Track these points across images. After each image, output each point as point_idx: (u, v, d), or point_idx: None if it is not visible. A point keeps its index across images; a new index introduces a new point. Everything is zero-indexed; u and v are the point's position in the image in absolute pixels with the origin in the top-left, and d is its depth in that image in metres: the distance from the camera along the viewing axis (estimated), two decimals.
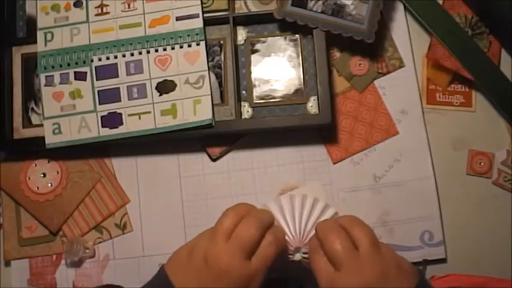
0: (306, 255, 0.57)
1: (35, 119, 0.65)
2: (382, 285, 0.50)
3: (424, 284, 0.52)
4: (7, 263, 0.65)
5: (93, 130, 0.62)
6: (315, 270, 0.54)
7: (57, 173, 0.65)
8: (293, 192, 0.63)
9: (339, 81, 0.65)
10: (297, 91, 0.63)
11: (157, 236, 0.64)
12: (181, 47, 0.63)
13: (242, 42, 0.65)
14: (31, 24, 0.67)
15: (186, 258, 0.52)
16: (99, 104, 0.63)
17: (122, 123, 0.62)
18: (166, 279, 0.51)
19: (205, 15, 0.64)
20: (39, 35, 0.65)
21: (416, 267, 0.53)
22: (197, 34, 0.63)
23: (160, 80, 0.62)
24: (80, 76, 0.63)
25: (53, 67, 0.64)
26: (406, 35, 0.66)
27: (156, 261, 0.63)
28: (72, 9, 0.65)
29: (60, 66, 0.64)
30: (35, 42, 0.65)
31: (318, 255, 0.54)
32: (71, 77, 0.64)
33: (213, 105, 0.62)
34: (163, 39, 0.63)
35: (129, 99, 0.62)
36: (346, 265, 0.50)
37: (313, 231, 0.58)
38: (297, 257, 0.57)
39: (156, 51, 0.63)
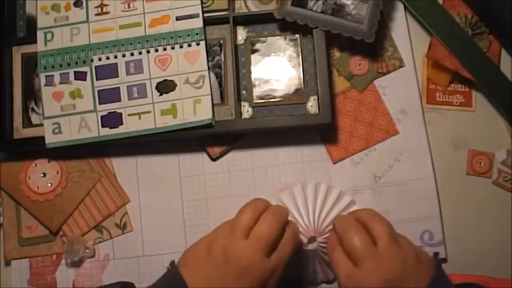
0: (322, 245, 0.58)
1: (35, 118, 0.65)
2: (402, 278, 0.50)
3: (441, 274, 0.52)
4: (7, 263, 0.65)
5: (93, 130, 0.62)
6: (333, 266, 0.54)
7: (57, 173, 0.65)
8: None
9: (339, 81, 0.65)
10: (297, 91, 0.63)
11: (157, 236, 0.64)
12: (181, 47, 0.63)
13: (242, 42, 0.65)
14: (31, 24, 0.67)
15: (204, 256, 0.52)
16: (99, 103, 0.63)
17: (121, 123, 0.62)
18: (179, 277, 0.51)
19: (205, 15, 0.64)
20: (39, 35, 0.65)
21: (433, 258, 0.54)
22: (197, 34, 0.63)
23: (160, 79, 0.62)
24: (80, 76, 0.63)
25: (53, 67, 0.64)
26: (406, 35, 0.66)
27: (156, 261, 0.63)
28: (72, 9, 0.65)
29: (60, 66, 0.64)
30: (35, 42, 0.65)
31: (336, 251, 0.55)
32: (71, 76, 0.64)
33: (213, 105, 0.62)
34: (163, 39, 0.63)
35: (129, 99, 0.62)
36: (365, 261, 0.51)
37: (329, 220, 0.58)
38: (312, 246, 0.58)
39: (156, 51, 0.63)
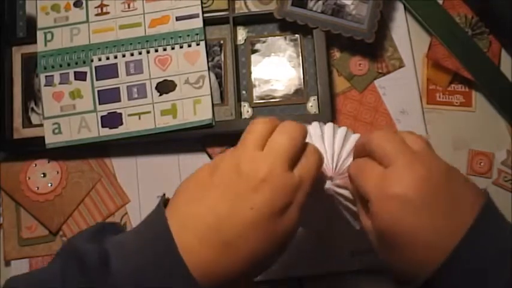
0: (339, 189, 0.48)
1: (35, 119, 0.65)
2: (449, 185, 0.39)
3: (493, 205, 0.41)
4: (7, 263, 0.65)
5: (93, 130, 0.62)
6: (357, 178, 0.43)
7: (57, 173, 0.65)
8: None
9: (339, 81, 0.65)
10: (297, 91, 0.63)
11: None
12: (181, 47, 0.63)
13: (242, 42, 0.65)
14: (31, 24, 0.66)
15: (206, 181, 0.40)
16: (99, 104, 0.63)
17: (121, 123, 0.62)
18: (162, 221, 0.39)
19: (205, 15, 0.64)
20: (39, 35, 0.65)
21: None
22: (197, 34, 0.63)
23: (160, 80, 0.62)
24: (80, 76, 0.63)
25: (52, 67, 0.64)
26: (406, 35, 0.66)
27: None
28: (72, 9, 0.65)
29: (60, 66, 0.64)
30: (35, 42, 0.65)
31: (359, 160, 0.44)
32: (71, 77, 0.64)
33: (213, 105, 0.62)
34: (163, 39, 0.63)
35: (129, 99, 0.62)
36: (403, 157, 0.40)
37: (349, 161, 0.48)
38: (329, 185, 0.48)
39: (156, 51, 0.63)
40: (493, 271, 0.37)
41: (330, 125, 0.50)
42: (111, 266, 0.37)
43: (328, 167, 0.48)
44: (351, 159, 0.48)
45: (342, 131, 0.50)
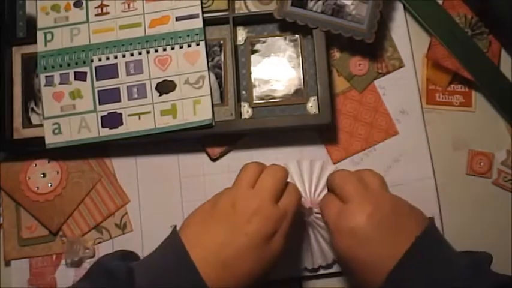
0: (318, 215, 0.57)
1: (35, 119, 0.65)
2: (393, 218, 0.48)
3: (435, 229, 0.50)
4: (7, 263, 0.65)
5: (93, 130, 0.62)
6: (324, 210, 0.53)
7: (57, 173, 0.65)
8: None
9: (339, 81, 0.65)
10: (296, 91, 0.63)
11: (157, 236, 0.63)
12: (181, 47, 0.63)
13: (242, 42, 0.65)
14: (31, 24, 0.66)
15: (208, 212, 0.50)
16: (99, 104, 0.63)
17: (121, 124, 0.62)
18: (178, 241, 0.48)
19: (205, 15, 0.64)
20: (39, 35, 0.65)
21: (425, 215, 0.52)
22: (197, 34, 0.63)
23: (160, 80, 0.62)
24: (80, 76, 0.63)
25: (52, 67, 0.64)
26: (406, 35, 0.66)
27: None
28: (72, 9, 0.65)
29: (60, 66, 0.64)
30: (35, 42, 0.65)
31: (326, 196, 0.55)
32: (71, 77, 0.64)
33: (213, 105, 0.62)
34: (163, 39, 0.63)
35: (129, 100, 0.62)
36: (356, 196, 0.50)
37: (325, 192, 0.58)
38: (309, 218, 0.58)
39: (156, 51, 0.63)
40: None
41: (306, 162, 0.60)
42: (135, 278, 0.47)
43: (306, 200, 0.58)
44: (326, 190, 0.59)
45: (318, 165, 0.60)
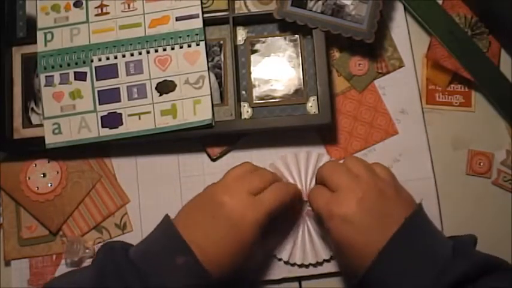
0: (310, 208, 0.59)
1: (35, 119, 0.65)
2: (380, 203, 0.51)
3: (422, 213, 0.53)
4: (7, 263, 0.65)
5: (93, 130, 0.62)
6: (313, 201, 0.55)
7: (57, 173, 0.65)
8: None
9: (339, 81, 0.65)
10: (296, 91, 0.63)
11: None
12: (181, 47, 0.63)
13: (242, 42, 0.65)
14: (31, 24, 0.67)
15: (195, 200, 0.56)
16: (99, 104, 0.63)
17: (121, 123, 0.62)
18: (171, 226, 0.53)
19: (205, 15, 0.64)
20: (39, 35, 0.65)
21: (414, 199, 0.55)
22: (197, 34, 0.63)
23: (160, 80, 0.62)
24: (80, 76, 0.64)
25: (53, 67, 0.64)
26: (406, 35, 0.66)
27: None
28: (72, 9, 0.65)
29: (60, 66, 0.64)
30: (35, 42, 0.65)
31: (314, 187, 0.57)
32: (71, 77, 0.64)
33: (212, 105, 0.62)
34: (163, 39, 0.63)
35: (129, 100, 0.62)
36: (344, 185, 0.52)
37: None
38: (305, 211, 0.60)
39: (156, 51, 0.63)
40: (410, 272, 0.48)
41: (303, 153, 0.62)
42: (128, 250, 0.53)
43: (303, 193, 0.60)
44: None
45: (314, 156, 0.62)
